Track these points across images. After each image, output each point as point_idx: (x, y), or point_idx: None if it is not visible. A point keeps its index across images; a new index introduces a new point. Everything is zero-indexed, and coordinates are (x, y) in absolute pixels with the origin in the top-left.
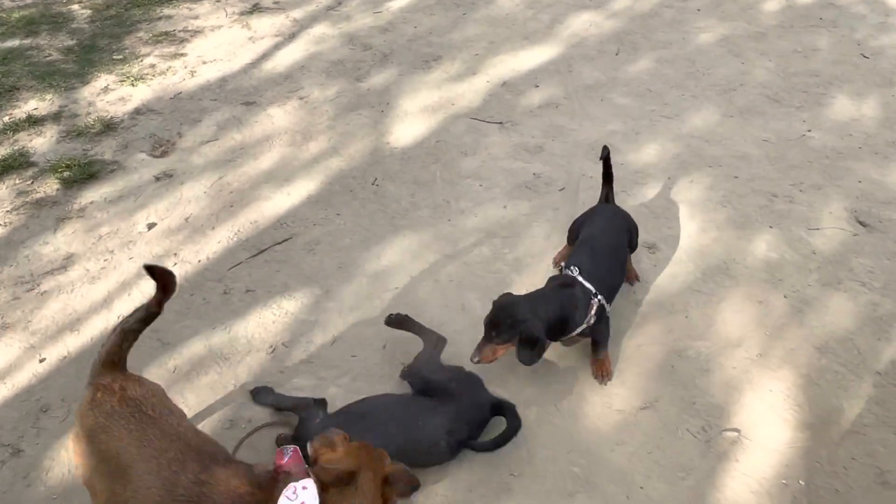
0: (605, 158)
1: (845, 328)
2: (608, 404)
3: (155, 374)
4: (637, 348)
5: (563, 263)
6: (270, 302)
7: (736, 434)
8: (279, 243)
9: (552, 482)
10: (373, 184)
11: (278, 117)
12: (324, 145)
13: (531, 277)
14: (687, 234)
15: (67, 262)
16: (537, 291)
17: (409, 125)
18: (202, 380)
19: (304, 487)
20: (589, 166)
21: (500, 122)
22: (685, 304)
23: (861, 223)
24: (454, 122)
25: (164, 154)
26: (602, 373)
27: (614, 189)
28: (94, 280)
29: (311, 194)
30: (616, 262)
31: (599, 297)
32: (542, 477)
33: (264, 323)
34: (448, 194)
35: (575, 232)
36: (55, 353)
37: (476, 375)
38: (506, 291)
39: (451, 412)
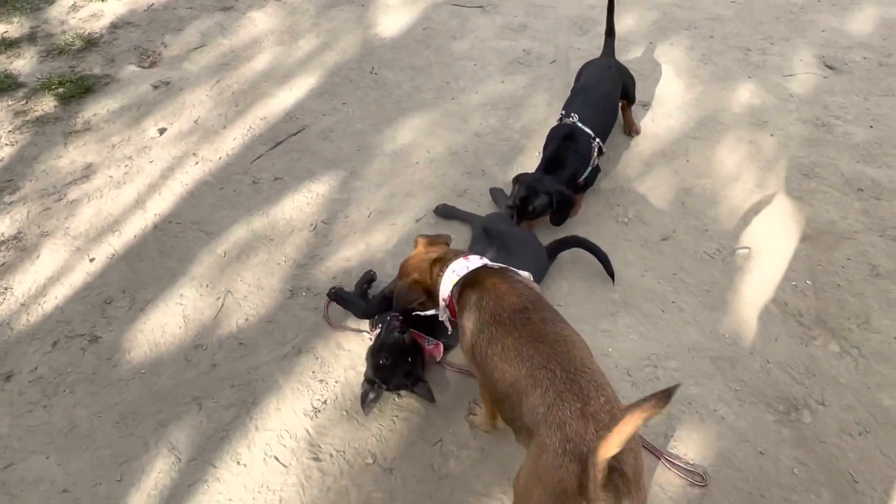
0: (609, 9)
1: (828, 156)
2: (632, 239)
3: (206, 260)
4: (649, 191)
5: (562, 111)
6: (300, 187)
7: (747, 251)
8: (294, 135)
9: (594, 307)
10: (371, 73)
11: (260, 20)
12: (314, 42)
13: (541, 141)
14: (675, 90)
15: (88, 171)
16: (547, 155)
17: (392, 16)
18: (253, 260)
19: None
20: (574, 39)
21: (481, 6)
22: (685, 149)
23: (829, 67)
24: (436, 10)
25: (152, 65)
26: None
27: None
28: (120, 185)
29: (313, 88)
30: (609, 105)
31: (598, 139)
32: (584, 304)
33: (299, 205)
34: (446, 76)
35: (576, 83)
36: (102, 252)
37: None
38: (520, 172)
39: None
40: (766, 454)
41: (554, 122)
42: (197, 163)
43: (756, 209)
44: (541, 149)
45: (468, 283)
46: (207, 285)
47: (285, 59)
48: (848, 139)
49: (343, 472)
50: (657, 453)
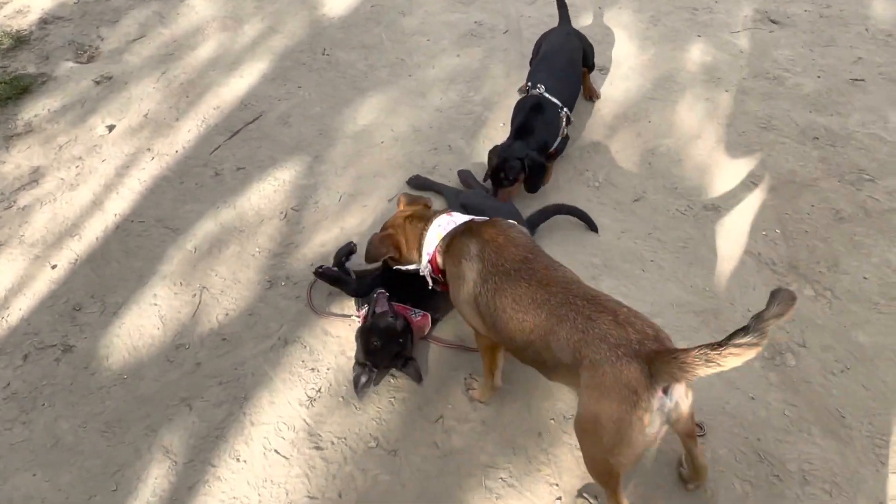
0: None
1: (783, 108)
2: (605, 203)
3: (176, 257)
4: (616, 154)
5: (528, 83)
6: (264, 175)
7: (716, 205)
8: (251, 122)
9: (577, 272)
10: (323, 54)
11: (200, 6)
12: (259, 26)
13: (504, 112)
14: (629, 53)
15: (36, 175)
16: (516, 126)
17: None
18: (225, 253)
19: None
20: (524, 8)
21: None
22: (645, 111)
23: (773, 21)
24: None
25: (90, 59)
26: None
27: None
28: (73, 187)
29: (264, 73)
30: (573, 73)
31: (565, 108)
32: None
33: (266, 194)
34: (400, 53)
35: (534, 54)
36: (64, 258)
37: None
38: (486, 145)
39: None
40: (757, 399)
41: (514, 94)
42: (153, 158)
43: (720, 164)
44: (506, 120)
45: (461, 235)
46: (181, 283)
47: (231, 45)
48: (798, 90)
49: (346, 458)
50: None
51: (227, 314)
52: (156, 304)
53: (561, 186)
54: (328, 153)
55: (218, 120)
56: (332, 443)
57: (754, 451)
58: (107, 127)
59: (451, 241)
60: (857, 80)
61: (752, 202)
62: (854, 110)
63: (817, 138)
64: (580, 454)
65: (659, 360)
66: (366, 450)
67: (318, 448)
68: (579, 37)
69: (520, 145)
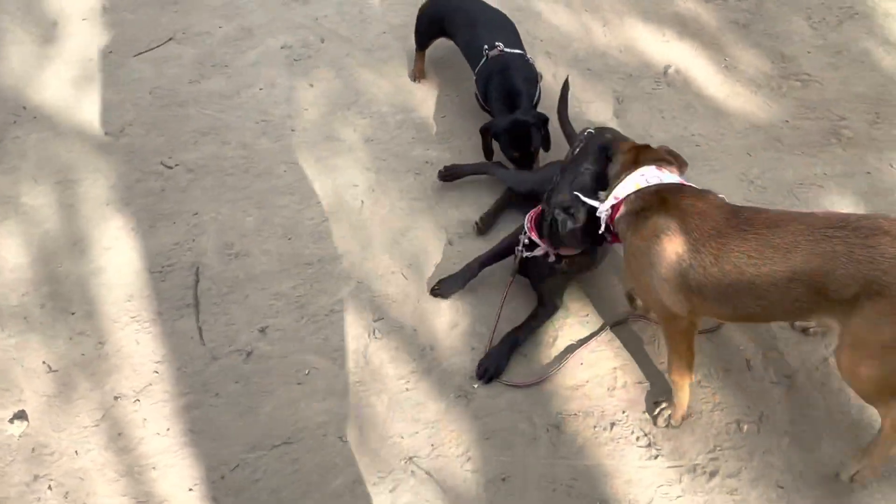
0: None
1: None
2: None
3: None
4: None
5: (485, 48)
6: None
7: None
8: (196, 284)
9: None
10: (168, 167)
11: None
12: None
13: (429, 103)
14: None
15: None
16: (502, 92)
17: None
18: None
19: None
20: (304, 10)
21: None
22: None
23: None
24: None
25: None
26: None
27: None
28: None
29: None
30: (507, 20)
31: (528, 56)
32: None
33: None
34: (259, 113)
35: (427, 34)
36: None
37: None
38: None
39: None
40: None
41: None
42: None
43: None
44: (444, 111)
45: (652, 212)
46: None
47: None
48: None
49: None
50: None
51: None
52: None
53: None
54: (335, 264)
55: None
56: None
57: None
58: None
59: (640, 216)
60: None
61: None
62: None
63: None
64: None
65: None
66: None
67: None
68: None
69: (522, 111)
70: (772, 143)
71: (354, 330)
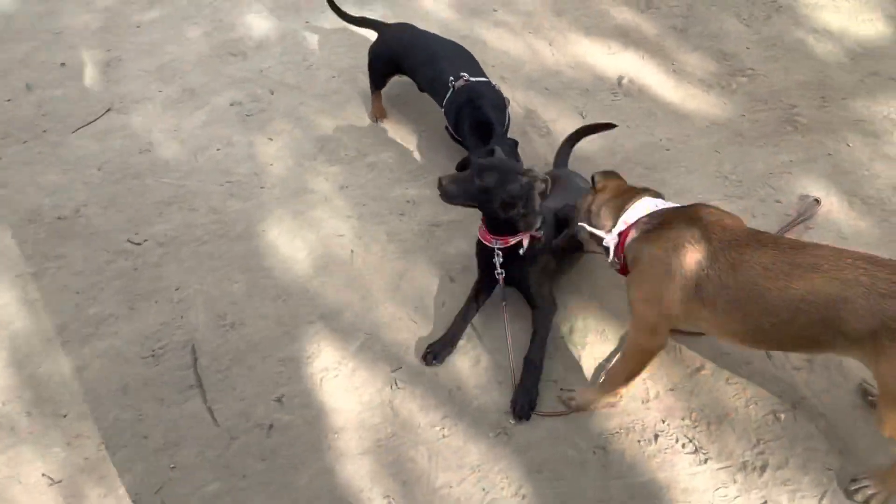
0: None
1: None
2: None
3: None
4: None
5: (451, 80)
6: None
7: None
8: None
9: None
10: (139, 243)
11: None
12: None
13: (378, 140)
14: None
15: None
16: (472, 123)
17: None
18: None
19: None
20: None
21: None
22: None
23: None
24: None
25: None
26: None
27: None
28: None
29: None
30: (464, 51)
31: (494, 83)
32: None
33: None
34: (221, 175)
35: (383, 73)
36: None
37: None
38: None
39: None
40: None
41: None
42: None
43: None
44: (401, 149)
45: (673, 222)
46: None
47: None
48: None
49: None
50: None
51: None
52: None
53: None
54: (338, 320)
55: None
56: None
57: None
58: None
59: (659, 230)
60: None
61: None
62: None
63: None
64: None
65: None
66: None
67: None
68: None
69: (496, 139)
70: (735, 138)
71: (374, 384)
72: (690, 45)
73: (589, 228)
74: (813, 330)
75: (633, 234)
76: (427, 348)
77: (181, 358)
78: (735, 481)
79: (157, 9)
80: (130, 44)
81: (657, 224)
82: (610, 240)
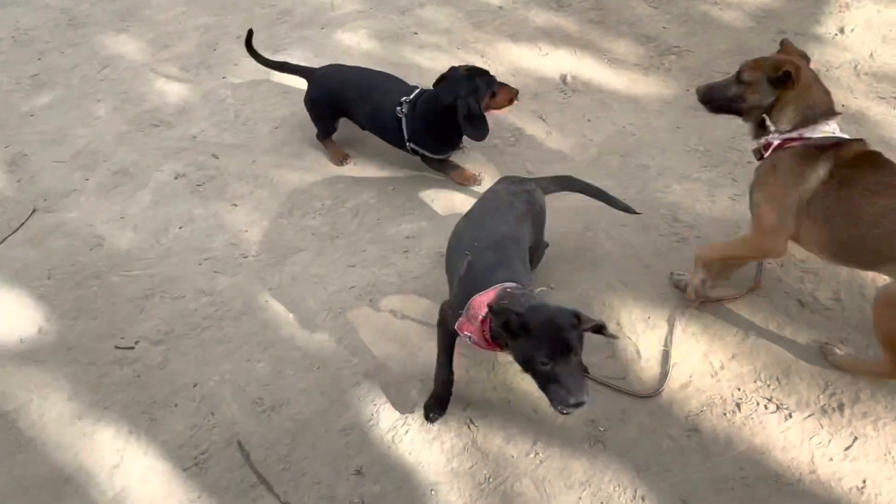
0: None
1: None
2: None
3: None
4: None
5: (398, 108)
6: None
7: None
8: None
9: None
10: (125, 349)
11: None
12: None
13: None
14: None
15: None
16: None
17: None
18: None
19: None
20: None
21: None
22: None
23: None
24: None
25: None
26: None
27: None
28: None
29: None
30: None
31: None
32: None
33: None
34: (170, 261)
35: (328, 119)
36: None
37: None
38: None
39: None
40: None
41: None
42: None
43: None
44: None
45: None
46: None
47: None
48: None
49: None
50: None
51: None
52: None
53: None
54: (385, 373)
55: None
56: None
57: None
58: None
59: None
60: None
61: None
62: None
63: None
64: None
65: None
66: None
67: None
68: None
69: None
70: (690, 112)
71: (450, 429)
72: (612, 34)
73: (764, 117)
74: (882, 243)
75: (795, 145)
76: (424, 409)
77: (230, 458)
78: (822, 426)
79: (47, 93)
80: (30, 135)
81: (814, 146)
82: (775, 139)
